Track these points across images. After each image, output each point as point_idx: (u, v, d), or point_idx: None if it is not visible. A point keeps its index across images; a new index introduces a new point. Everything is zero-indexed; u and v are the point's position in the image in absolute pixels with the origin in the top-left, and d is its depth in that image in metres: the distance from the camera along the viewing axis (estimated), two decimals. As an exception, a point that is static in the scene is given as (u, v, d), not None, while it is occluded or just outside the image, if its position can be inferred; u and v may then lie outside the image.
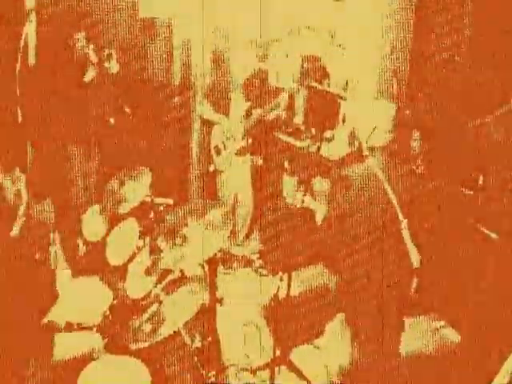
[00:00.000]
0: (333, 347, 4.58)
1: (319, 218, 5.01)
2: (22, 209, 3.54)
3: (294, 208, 5.65)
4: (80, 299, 4.44)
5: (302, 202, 5.31)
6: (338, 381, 4.50)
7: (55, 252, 4.82)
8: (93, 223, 5.14)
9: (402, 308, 4.17)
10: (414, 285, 4.12)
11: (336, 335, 4.55)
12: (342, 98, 6.02)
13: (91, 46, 5.68)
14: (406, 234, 3.99)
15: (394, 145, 4.07)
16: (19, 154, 5.55)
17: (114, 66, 5.79)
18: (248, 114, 5.96)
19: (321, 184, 5.78)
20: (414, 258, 4.02)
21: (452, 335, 4.26)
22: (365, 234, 4.05)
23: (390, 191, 3.98)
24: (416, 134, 4.66)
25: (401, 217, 3.97)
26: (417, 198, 4.09)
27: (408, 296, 4.15)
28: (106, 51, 5.75)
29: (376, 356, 4.17)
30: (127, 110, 6.00)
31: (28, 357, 3.65)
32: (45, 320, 3.71)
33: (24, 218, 3.56)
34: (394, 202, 3.98)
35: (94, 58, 5.69)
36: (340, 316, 4.53)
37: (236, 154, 6.02)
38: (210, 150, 6.19)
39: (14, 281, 3.46)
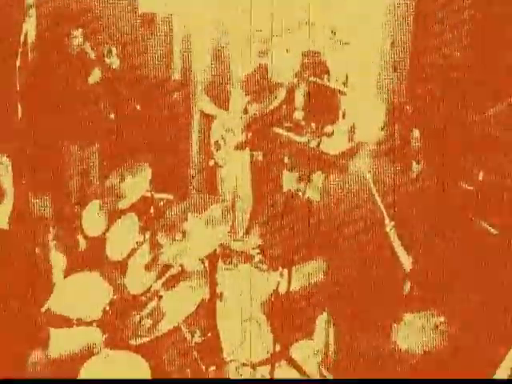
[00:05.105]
0: (321, 341, 4.59)
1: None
2: (7, 198, 3.46)
3: (294, 203, 5.65)
4: (80, 294, 4.44)
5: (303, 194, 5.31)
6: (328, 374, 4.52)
7: (54, 247, 4.82)
8: (93, 218, 5.14)
9: (394, 305, 4.17)
10: (408, 285, 4.11)
11: (322, 330, 4.56)
12: (342, 93, 6.02)
13: (88, 43, 5.67)
14: (393, 237, 3.96)
15: (386, 143, 4.05)
16: (19, 148, 5.55)
17: (114, 62, 5.79)
18: (246, 108, 5.96)
19: (321, 179, 5.79)
20: (405, 262, 4.00)
21: (452, 331, 4.26)
22: (356, 232, 4.05)
23: (375, 192, 3.96)
24: (416, 131, 4.65)
25: (387, 220, 3.94)
26: (411, 197, 4.07)
27: (400, 294, 4.14)
28: (106, 47, 5.75)
29: (364, 352, 4.17)
30: (128, 104, 6.01)
31: (28, 352, 3.65)
32: (42, 310, 3.71)
33: (11, 209, 3.50)
34: (380, 204, 3.95)
35: (91, 54, 5.69)
36: (324, 313, 4.53)
37: (235, 148, 6.01)
38: (209, 145, 6.19)
39: (12, 276, 3.45)
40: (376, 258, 4.02)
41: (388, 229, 3.95)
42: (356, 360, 4.23)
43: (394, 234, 3.96)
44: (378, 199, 3.96)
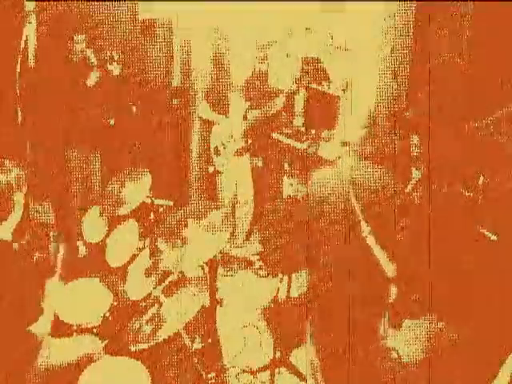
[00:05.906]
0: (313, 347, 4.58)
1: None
2: (16, 210, 3.48)
3: (294, 209, 5.65)
4: (80, 301, 4.44)
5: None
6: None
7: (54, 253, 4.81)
8: (93, 225, 5.14)
9: (386, 310, 4.13)
10: (394, 293, 4.03)
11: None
12: (341, 99, 6.03)
13: (90, 49, 5.68)
14: (371, 242, 3.84)
15: (371, 143, 3.99)
16: (19, 154, 5.55)
17: (115, 68, 5.80)
18: (246, 115, 5.97)
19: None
20: (387, 267, 3.90)
21: (451, 336, 4.26)
22: (337, 238, 4.00)
23: (352, 193, 3.88)
24: (415, 137, 4.65)
25: (363, 225, 3.81)
26: (407, 204, 4.04)
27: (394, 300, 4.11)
28: (108, 53, 5.76)
29: (361, 358, 4.15)
30: (129, 110, 6.02)
31: (26, 360, 3.64)
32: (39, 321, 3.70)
33: (18, 221, 3.50)
34: (358, 209, 3.87)
35: (93, 60, 5.70)
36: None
37: (234, 154, 6.02)
38: (209, 151, 6.19)
39: (11, 283, 3.45)
40: (358, 266, 3.95)
41: (364, 234, 3.85)
42: (353, 367, 4.22)
43: (373, 239, 3.86)
44: (356, 204, 3.88)
